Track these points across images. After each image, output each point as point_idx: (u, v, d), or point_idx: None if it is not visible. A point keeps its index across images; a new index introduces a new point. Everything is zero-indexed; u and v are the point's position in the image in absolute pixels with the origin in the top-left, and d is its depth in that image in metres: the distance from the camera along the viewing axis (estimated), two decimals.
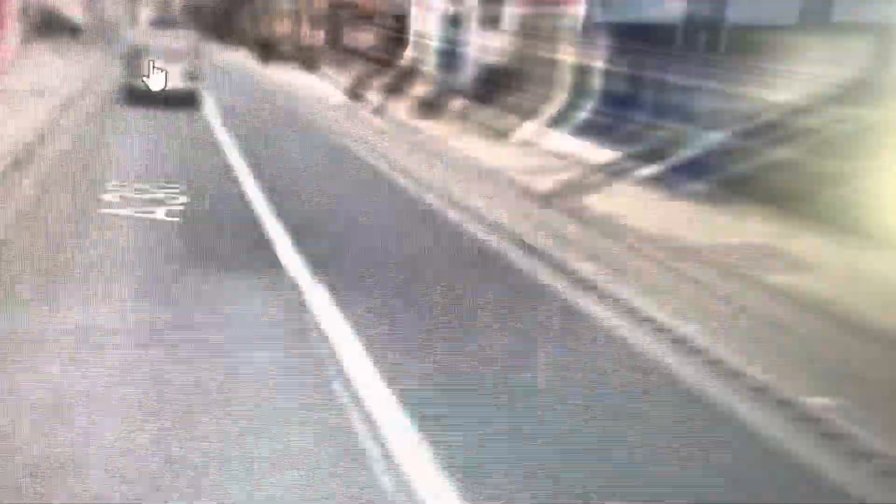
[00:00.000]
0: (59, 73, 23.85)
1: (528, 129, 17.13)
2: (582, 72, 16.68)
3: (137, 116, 17.70)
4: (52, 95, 18.05)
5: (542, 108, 17.34)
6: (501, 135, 17.36)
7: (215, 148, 14.49)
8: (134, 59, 19.92)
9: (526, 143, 16.54)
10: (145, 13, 66.26)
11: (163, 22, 47.29)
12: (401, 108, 21.88)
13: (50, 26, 39.30)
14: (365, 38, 38.06)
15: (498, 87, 19.50)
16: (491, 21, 21.02)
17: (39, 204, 9.50)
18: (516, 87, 18.83)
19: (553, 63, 17.47)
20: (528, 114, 17.59)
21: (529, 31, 18.74)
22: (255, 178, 11.93)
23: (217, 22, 57.33)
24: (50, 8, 42.54)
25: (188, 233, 8.83)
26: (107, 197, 9.95)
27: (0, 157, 11.17)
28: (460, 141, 16.70)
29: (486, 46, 21.30)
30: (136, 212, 9.33)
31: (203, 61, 23.12)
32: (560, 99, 17.18)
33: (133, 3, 69.73)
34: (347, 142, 16.53)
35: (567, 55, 17.16)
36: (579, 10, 16.77)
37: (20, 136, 12.85)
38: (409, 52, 27.52)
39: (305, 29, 42.85)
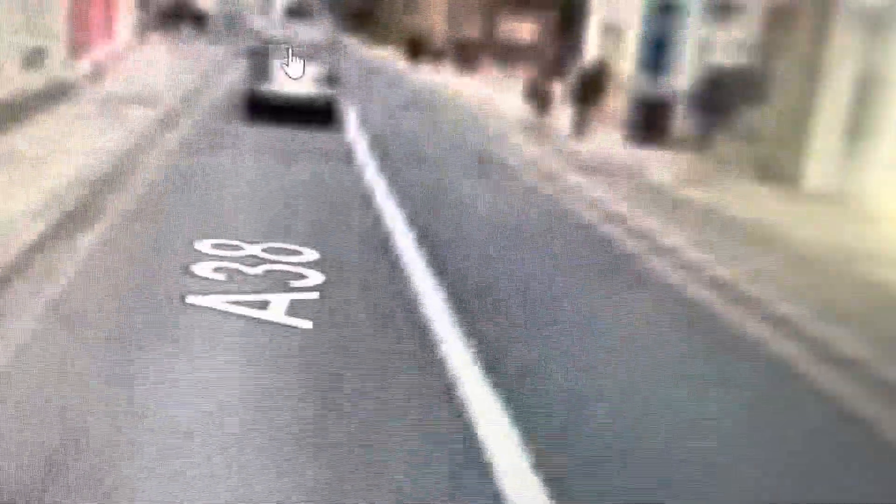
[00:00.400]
0: (170, 74, 21.87)
1: (820, 169, 13.14)
2: (873, 82, 12.93)
3: (251, 143, 15.14)
4: (151, 106, 15.73)
5: (811, 135, 13.59)
6: (778, 178, 13.57)
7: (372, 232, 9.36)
8: (260, 56, 17.56)
9: (832, 199, 12.63)
10: (280, 3, 66.05)
11: (297, 12, 45.97)
12: (603, 130, 18.50)
13: (173, 15, 38.34)
14: (525, 29, 35.18)
15: (736, 100, 15.88)
16: (723, 8, 17.46)
17: (80, 290, 6.75)
18: (764, 101, 15.17)
19: (822, 69, 13.72)
20: (795, 143, 13.83)
21: (786, 22, 15.05)
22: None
23: (359, 14, 55.81)
24: None
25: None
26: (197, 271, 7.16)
27: (48, 204, 8.58)
28: (729, 192, 12.72)
29: (714, 42, 17.76)
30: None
31: (344, 60, 20.63)
32: (835, 121, 13.44)
33: None
34: (598, 224, 10.80)
35: (845, 58, 13.42)
36: None
37: (91, 169, 10.35)
38: (592, 49, 24.28)
39: (458, 21, 40.35)
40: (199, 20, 41.81)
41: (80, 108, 14.51)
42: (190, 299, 6.46)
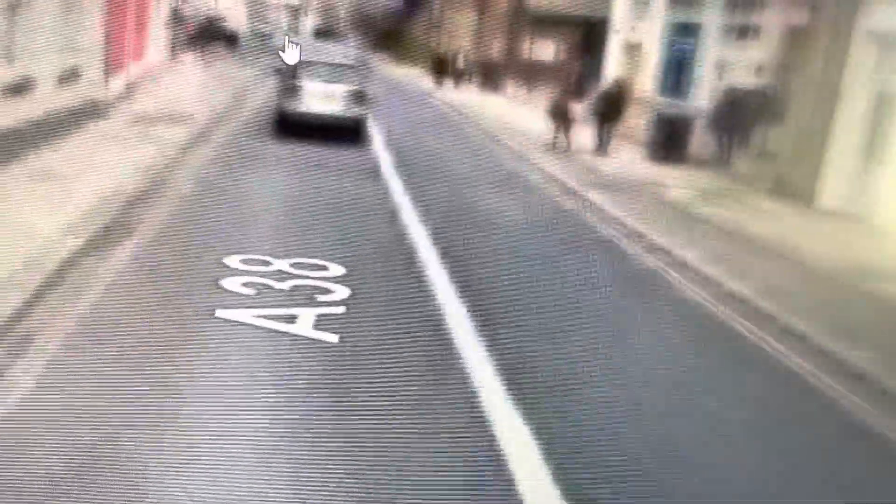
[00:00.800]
0: (201, 92, 22.10)
1: (835, 187, 13.09)
2: (888, 102, 12.87)
3: (280, 161, 15.29)
4: (182, 124, 15.93)
5: (827, 154, 13.54)
6: (794, 195, 13.54)
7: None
8: (289, 75, 17.66)
9: (847, 217, 12.59)
10: (309, 23, 66.38)
11: (326, 32, 46.19)
12: (623, 148, 18.52)
13: (204, 35, 38.68)
14: (548, 50, 35.23)
15: (753, 120, 15.88)
16: (741, 29, 17.46)
17: (113, 304, 6.84)
18: (781, 120, 15.14)
19: (838, 89, 13.67)
20: (811, 162, 13.80)
21: (803, 43, 15.03)
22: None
23: (386, 34, 56.07)
24: (209, 17, 42.11)
25: None
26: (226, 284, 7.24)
27: (81, 220, 8.70)
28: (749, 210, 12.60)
29: (733, 63, 17.76)
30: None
31: (371, 79, 20.74)
32: (850, 140, 13.38)
33: (296, 12, 70.23)
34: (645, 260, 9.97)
35: (861, 78, 13.36)
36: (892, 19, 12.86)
37: (124, 186, 10.49)
38: (613, 69, 24.29)
39: (483, 42, 40.50)
40: (229, 40, 42.16)
41: (114, 126, 14.70)
42: (219, 313, 6.53)
